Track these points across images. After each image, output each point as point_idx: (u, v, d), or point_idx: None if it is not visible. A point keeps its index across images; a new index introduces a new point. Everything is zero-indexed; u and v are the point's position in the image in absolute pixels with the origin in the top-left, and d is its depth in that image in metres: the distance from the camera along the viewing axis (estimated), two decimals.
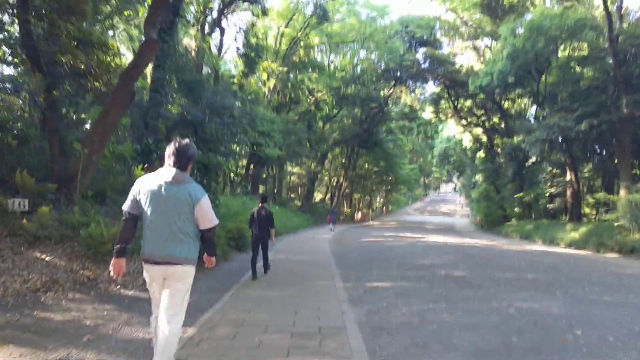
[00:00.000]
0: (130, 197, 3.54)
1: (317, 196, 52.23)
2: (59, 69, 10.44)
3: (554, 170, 31.59)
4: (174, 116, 16.26)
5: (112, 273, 3.56)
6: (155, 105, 15.72)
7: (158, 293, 3.56)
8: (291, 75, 39.19)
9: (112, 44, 13.54)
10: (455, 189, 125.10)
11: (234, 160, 25.72)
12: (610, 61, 25.12)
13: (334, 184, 51.61)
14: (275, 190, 39.36)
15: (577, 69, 28.60)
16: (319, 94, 40.41)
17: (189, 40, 26.76)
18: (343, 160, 50.73)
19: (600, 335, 5.31)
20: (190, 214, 3.46)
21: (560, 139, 24.72)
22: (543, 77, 28.87)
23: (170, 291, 3.49)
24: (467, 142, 56.69)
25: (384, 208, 75.54)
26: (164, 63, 16.92)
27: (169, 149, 3.55)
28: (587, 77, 27.58)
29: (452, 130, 64.03)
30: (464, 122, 47.21)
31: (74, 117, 12.12)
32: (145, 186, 3.49)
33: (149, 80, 16.86)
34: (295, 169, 47.86)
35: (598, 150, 29.60)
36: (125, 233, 3.56)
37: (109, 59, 11.53)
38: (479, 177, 60.38)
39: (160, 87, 16.17)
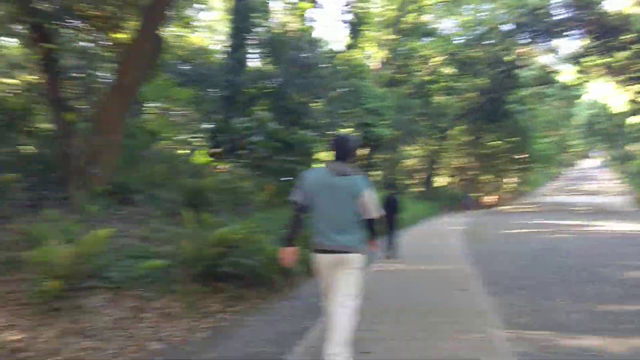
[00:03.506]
0: (299, 188, 3.59)
1: (438, 180, 46.79)
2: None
3: None
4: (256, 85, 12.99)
5: (284, 262, 3.61)
6: (230, 72, 12.52)
7: (327, 281, 3.57)
8: (403, 47, 34.47)
9: None
10: (601, 163, 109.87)
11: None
12: None
13: (458, 165, 45.90)
14: (391, 176, 35.06)
15: None
16: (436, 59, 35.03)
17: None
18: (467, 139, 44.75)
19: None
20: (356, 205, 3.51)
21: None
22: None
23: (343, 277, 3.51)
24: (616, 106, 47.21)
25: (517, 190, 67.25)
26: (240, 24, 13.83)
27: (331, 143, 3.71)
28: None
29: (594, 94, 54.09)
30: (619, 78, 38.56)
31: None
32: (315, 178, 3.59)
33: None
34: (414, 152, 43.03)
35: None
36: (294, 222, 3.60)
37: None
38: (633, 147, 50.35)
39: (234, 50, 12.98)
